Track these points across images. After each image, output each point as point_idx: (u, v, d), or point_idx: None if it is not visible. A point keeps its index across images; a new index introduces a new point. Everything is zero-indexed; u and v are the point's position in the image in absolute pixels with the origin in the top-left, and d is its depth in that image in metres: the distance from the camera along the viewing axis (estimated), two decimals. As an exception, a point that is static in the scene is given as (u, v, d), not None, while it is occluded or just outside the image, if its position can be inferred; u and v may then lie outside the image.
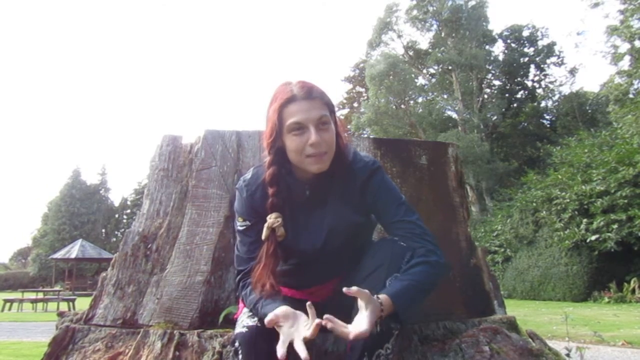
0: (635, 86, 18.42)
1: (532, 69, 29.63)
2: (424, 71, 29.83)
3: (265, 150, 1.36)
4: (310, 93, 1.29)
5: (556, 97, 29.04)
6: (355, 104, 34.32)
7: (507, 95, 29.04)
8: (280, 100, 1.29)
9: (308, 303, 1.13)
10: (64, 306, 11.72)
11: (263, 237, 1.33)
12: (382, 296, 1.17)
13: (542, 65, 29.26)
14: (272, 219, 1.33)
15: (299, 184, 1.37)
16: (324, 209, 1.38)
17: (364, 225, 1.44)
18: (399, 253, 1.29)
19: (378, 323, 1.16)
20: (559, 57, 28.92)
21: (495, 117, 27.51)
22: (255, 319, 1.26)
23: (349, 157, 1.38)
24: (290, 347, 1.16)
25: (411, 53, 29.64)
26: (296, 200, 1.38)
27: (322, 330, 1.13)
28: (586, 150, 13.67)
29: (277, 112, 1.29)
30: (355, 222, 1.38)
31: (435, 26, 27.92)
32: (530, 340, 1.81)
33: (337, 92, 36.60)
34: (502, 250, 15.18)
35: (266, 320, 1.15)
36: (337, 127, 1.36)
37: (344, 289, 1.12)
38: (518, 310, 8.38)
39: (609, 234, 11.21)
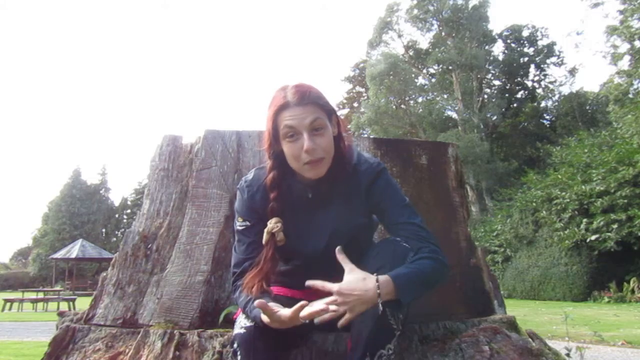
0: (635, 86, 18.43)
1: (532, 69, 29.69)
2: (424, 71, 29.84)
3: (265, 154, 1.37)
4: (303, 98, 1.28)
5: (556, 97, 29.11)
6: (355, 104, 34.33)
7: (507, 95, 29.07)
8: (274, 107, 1.30)
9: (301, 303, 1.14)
10: (64, 306, 11.72)
11: (263, 241, 1.33)
12: (382, 276, 1.18)
13: (542, 65, 29.31)
14: (272, 223, 1.33)
15: (301, 186, 1.37)
16: (327, 210, 1.38)
17: (366, 227, 1.44)
18: (401, 253, 1.29)
19: (380, 303, 1.16)
20: (558, 57, 28.99)
21: (495, 117, 27.54)
22: (253, 319, 1.26)
23: (352, 159, 1.38)
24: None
25: (411, 53, 29.67)
26: (298, 202, 1.38)
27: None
28: (586, 150, 13.70)
29: (272, 120, 1.30)
30: (358, 224, 1.38)
31: (435, 26, 27.94)
32: (530, 340, 1.81)
33: (337, 92, 36.66)
34: (502, 250, 15.19)
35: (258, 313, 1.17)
36: (339, 128, 1.36)
37: (337, 249, 1.22)
38: (518, 310, 8.38)
39: (608, 233, 11.22)
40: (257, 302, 1.14)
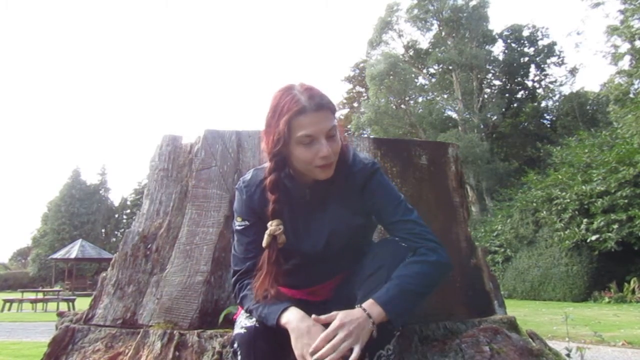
0: (636, 86, 18.41)
1: (533, 69, 29.65)
2: (424, 71, 29.82)
3: (266, 156, 1.33)
4: (321, 104, 1.26)
5: (556, 97, 29.07)
6: (355, 104, 34.33)
7: (507, 95, 29.05)
8: (290, 112, 1.25)
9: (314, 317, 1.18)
10: (63, 306, 11.71)
11: (264, 244, 1.32)
12: (368, 303, 1.19)
13: (542, 65, 29.28)
14: (273, 226, 1.31)
15: (299, 188, 1.36)
16: (324, 211, 1.37)
17: (365, 227, 1.44)
18: (400, 254, 1.29)
19: (374, 329, 1.17)
20: (559, 57, 28.94)
21: (495, 117, 27.51)
22: (254, 319, 1.25)
23: (348, 159, 1.37)
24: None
25: (411, 53, 29.64)
26: (296, 203, 1.38)
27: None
28: (586, 150, 13.68)
29: (287, 124, 1.25)
30: (355, 224, 1.38)
31: (435, 26, 27.92)
32: (530, 340, 1.81)
33: (337, 92, 36.61)
34: (502, 250, 15.18)
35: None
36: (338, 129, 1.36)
37: (312, 317, 1.19)
38: (518, 310, 8.38)
39: (609, 234, 11.21)
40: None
